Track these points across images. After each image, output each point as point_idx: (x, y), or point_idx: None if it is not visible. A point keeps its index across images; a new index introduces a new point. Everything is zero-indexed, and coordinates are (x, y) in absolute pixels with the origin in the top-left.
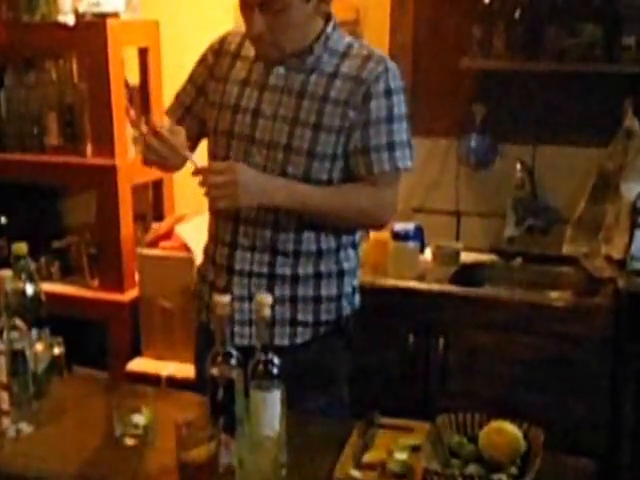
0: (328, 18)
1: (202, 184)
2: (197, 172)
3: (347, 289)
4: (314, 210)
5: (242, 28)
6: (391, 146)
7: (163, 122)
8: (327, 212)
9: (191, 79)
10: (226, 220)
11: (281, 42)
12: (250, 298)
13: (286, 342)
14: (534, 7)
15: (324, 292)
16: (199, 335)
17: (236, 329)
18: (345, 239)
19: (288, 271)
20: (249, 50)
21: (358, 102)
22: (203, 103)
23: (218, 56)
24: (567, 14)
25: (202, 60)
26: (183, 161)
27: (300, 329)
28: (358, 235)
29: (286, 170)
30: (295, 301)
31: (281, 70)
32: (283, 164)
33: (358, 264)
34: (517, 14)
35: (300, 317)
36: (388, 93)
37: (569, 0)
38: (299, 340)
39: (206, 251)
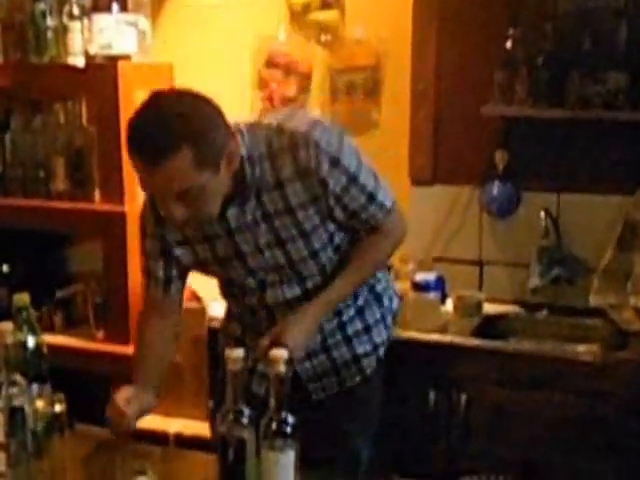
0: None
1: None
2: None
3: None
4: (351, 293)
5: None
6: (371, 197)
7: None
8: (361, 283)
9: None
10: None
11: (206, 212)
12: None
13: (358, 379)
14: (557, 54)
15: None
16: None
17: (310, 386)
18: (379, 288)
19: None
20: None
21: (319, 192)
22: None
23: (159, 226)
24: (591, 61)
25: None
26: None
27: (365, 361)
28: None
29: (302, 273)
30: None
31: (233, 211)
32: (296, 272)
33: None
34: (540, 61)
35: (360, 350)
36: (335, 163)
37: (593, 47)
38: (368, 372)
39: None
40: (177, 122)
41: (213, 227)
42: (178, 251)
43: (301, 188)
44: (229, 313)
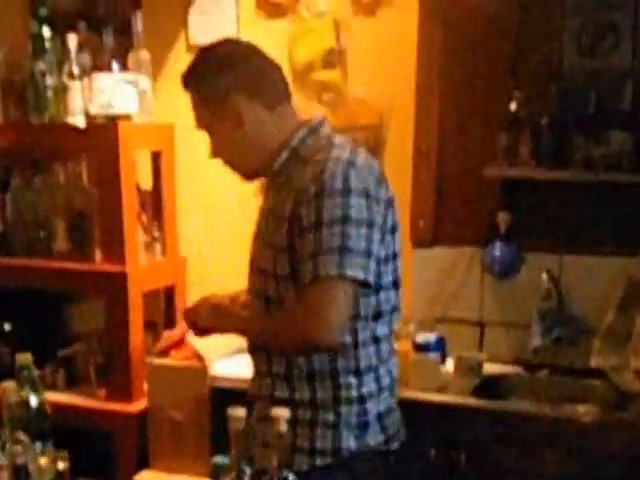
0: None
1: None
2: None
3: (349, 418)
4: (253, 335)
5: None
6: (313, 254)
7: None
8: (268, 341)
9: None
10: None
11: (232, 161)
12: None
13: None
14: (561, 115)
15: (321, 417)
16: None
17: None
18: (341, 364)
19: (286, 395)
20: None
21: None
22: None
23: None
24: (595, 122)
25: None
26: None
27: (298, 457)
28: (365, 362)
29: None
30: (294, 424)
31: (272, 192)
32: (265, 286)
33: (373, 395)
34: (544, 122)
35: (298, 442)
36: (320, 196)
37: (598, 108)
38: (295, 468)
39: None
40: (201, 61)
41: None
42: None
43: (292, 202)
44: None
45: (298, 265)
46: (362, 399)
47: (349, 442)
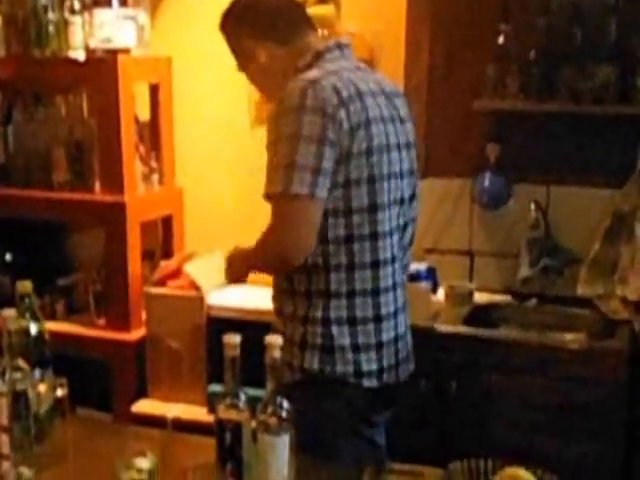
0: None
1: None
2: None
3: (315, 339)
4: (250, 270)
5: None
6: (273, 169)
7: None
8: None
9: None
10: None
11: (262, 91)
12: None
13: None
14: (549, 48)
15: (295, 333)
16: None
17: None
18: (314, 285)
19: (277, 307)
20: None
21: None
22: None
23: None
24: (582, 55)
25: None
26: None
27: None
28: (335, 286)
29: None
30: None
31: None
32: None
33: (341, 322)
34: (532, 55)
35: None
36: (281, 113)
37: (584, 41)
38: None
39: None
40: (225, 13)
41: None
42: None
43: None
44: None
45: None
46: (327, 322)
47: (312, 363)
